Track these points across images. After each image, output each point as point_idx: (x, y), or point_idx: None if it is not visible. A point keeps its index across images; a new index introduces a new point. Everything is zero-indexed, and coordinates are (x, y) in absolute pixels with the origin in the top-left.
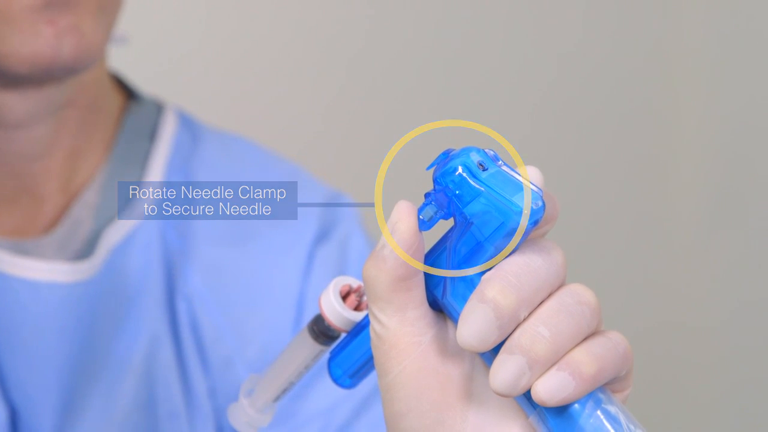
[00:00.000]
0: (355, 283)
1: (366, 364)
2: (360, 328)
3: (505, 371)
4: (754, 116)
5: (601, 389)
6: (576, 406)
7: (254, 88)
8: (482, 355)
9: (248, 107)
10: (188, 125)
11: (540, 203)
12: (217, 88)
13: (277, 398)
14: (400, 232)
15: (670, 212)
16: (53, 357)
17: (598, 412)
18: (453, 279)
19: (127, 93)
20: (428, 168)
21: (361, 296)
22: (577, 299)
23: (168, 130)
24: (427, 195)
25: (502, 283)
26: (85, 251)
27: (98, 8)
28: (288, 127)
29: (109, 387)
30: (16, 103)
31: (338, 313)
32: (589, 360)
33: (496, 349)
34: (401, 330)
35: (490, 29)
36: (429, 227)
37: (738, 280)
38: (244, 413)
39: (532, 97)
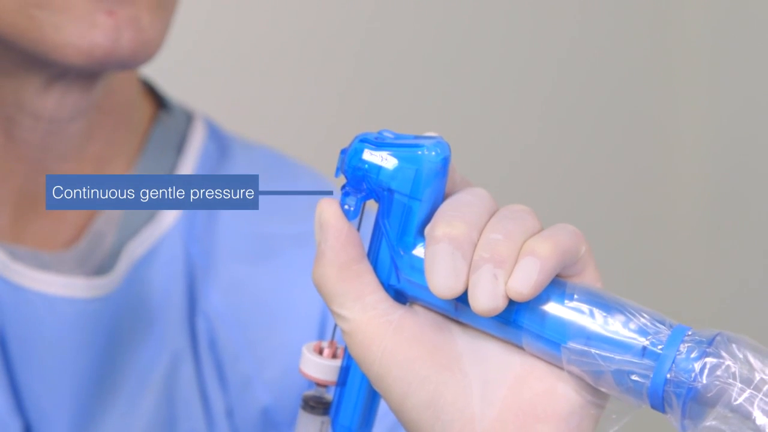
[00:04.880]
0: (325, 342)
1: (366, 405)
2: (345, 372)
3: (480, 286)
4: (754, 115)
5: (567, 283)
6: (552, 303)
7: (255, 89)
8: (458, 313)
9: (248, 108)
10: (216, 137)
11: (443, 142)
12: (218, 89)
13: None
14: (325, 221)
15: (668, 210)
16: (69, 372)
17: (577, 296)
18: (400, 258)
19: (158, 101)
20: (336, 175)
21: (334, 347)
22: (513, 210)
23: (196, 143)
24: (342, 187)
25: (445, 219)
26: (107, 265)
27: (157, 4)
28: (288, 128)
29: (128, 403)
30: (59, 96)
31: (319, 365)
32: (542, 240)
33: (463, 299)
34: (366, 315)
35: (490, 30)
36: (356, 215)
37: (735, 276)
38: None
39: (532, 97)
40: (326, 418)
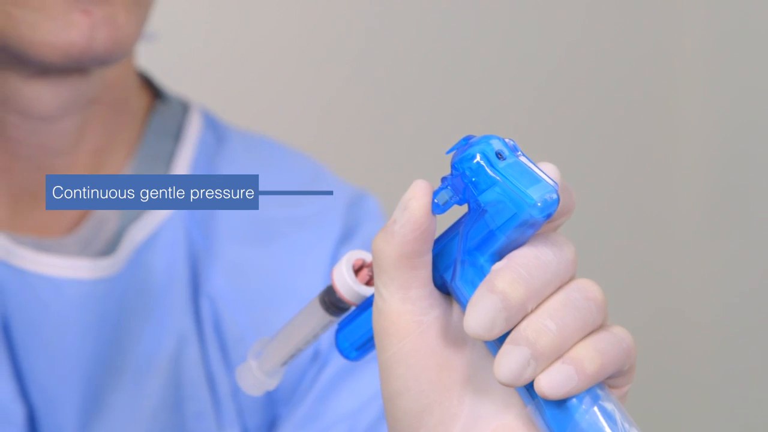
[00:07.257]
0: (369, 258)
1: (372, 339)
2: (369, 303)
3: (509, 362)
4: (754, 112)
5: (600, 385)
6: (574, 400)
7: (256, 87)
8: (487, 343)
9: (250, 106)
10: (213, 126)
11: (554, 196)
12: (219, 87)
13: (284, 363)
14: (411, 210)
15: (670, 207)
16: (76, 355)
17: (595, 408)
18: (463, 264)
19: (154, 92)
20: (448, 152)
21: (373, 272)
22: (584, 294)
23: (193, 131)
24: (443, 179)
25: (512, 275)
26: (110, 249)
27: (133, 1)
28: (290, 127)
29: (135, 385)
30: (44, 93)
31: (349, 287)
32: (592, 355)
33: (502, 339)
34: (402, 308)
35: (490, 28)
36: (443, 211)
37: (737, 273)
38: (252, 375)
39: (534, 94)
40: (334, 320)
